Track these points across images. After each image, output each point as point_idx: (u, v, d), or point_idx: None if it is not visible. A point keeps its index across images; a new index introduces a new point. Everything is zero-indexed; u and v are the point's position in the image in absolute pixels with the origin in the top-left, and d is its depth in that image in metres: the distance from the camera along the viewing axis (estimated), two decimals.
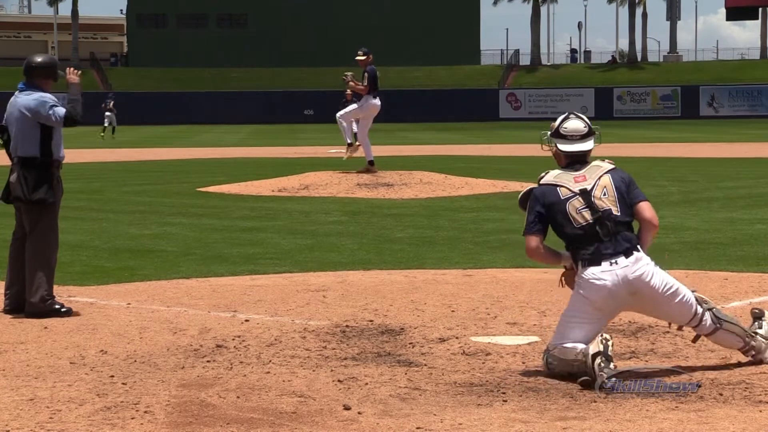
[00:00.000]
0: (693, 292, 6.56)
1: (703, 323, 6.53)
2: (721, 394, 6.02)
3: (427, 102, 77.95)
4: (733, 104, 76.72)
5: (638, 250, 6.44)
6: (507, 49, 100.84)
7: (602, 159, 6.79)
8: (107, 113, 52.45)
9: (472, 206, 17.51)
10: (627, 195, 6.57)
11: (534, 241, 6.64)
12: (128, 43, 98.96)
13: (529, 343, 7.40)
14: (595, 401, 5.90)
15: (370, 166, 21.13)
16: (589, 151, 6.76)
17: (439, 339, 7.56)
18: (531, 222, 6.63)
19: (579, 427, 5.43)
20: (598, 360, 6.10)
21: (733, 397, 5.97)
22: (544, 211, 6.58)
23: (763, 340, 6.67)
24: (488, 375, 6.54)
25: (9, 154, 8.89)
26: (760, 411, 5.69)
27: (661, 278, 6.43)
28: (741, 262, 11.24)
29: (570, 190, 6.55)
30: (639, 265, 6.39)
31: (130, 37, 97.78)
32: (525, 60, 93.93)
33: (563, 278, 6.76)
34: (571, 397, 6.01)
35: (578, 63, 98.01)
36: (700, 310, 6.51)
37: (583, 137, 6.75)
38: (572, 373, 6.29)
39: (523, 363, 6.85)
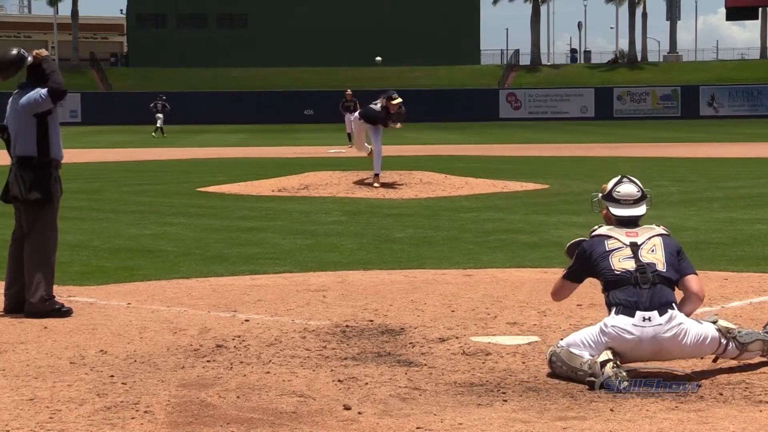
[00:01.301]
0: (715, 323, 6.51)
1: (728, 352, 6.52)
2: (721, 394, 6.02)
3: (427, 102, 77.77)
4: (733, 104, 76.69)
5: (673, 308, 6.37)
6: (507, 49, 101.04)
7: (657, 224, 6.78)
8: (158, 114, 52.44)
9: (472, 206, 17.51)
10: (675, 262, 6.54)
11: (566, 285, 6.85)
12: (128, 43, 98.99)
13: (529, 343, 7.39)
14: (595, 401, 5.90)
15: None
16: (642, 215, 6.75)
17: (439, 339, 7.55)
18: (571, 270, 6.77)
19: (579, 427, 5.43)
20: (610, 364, 6.11)
21: (733, 397, 5.97)
22: (586, 264, 6.63)
23: None
24: (488, 375, 6.54)
25: (10, 153, 8.91)
26: (760, 411, 5.69)
27: (694, 335, 6.37)
28: (741, 262, 11.24)
29: (620, 241, 6.57)
30: (671, 324, 6.31)
31: (130, 37, 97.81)
32: (525, 60, 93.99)
33: None
34: (571, 397, 6.01)
35: (578, 63, 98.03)
36: (723, 341, 6.47)
37: (636, 202, 6.75)
38: (572, 379, 6.29)
39: (523, 363, 6.84)
